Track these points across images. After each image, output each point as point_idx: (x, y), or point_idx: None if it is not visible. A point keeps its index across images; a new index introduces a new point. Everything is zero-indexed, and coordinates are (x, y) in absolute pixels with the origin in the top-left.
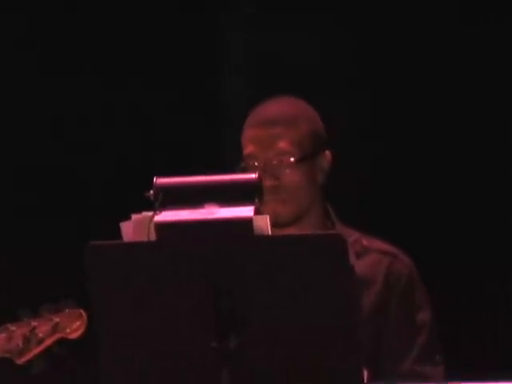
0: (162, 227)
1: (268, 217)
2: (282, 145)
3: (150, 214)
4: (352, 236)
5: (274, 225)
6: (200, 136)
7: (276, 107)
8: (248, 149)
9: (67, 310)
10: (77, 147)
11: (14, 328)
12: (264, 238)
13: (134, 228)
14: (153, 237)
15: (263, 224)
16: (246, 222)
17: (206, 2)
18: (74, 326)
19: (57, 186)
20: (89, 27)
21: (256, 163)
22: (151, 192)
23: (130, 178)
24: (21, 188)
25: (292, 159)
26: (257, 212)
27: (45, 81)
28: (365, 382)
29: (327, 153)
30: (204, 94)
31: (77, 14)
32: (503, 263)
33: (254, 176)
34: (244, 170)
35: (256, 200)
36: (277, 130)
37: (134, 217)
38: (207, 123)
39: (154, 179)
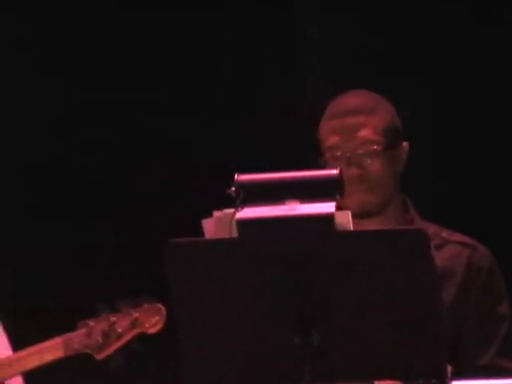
0: (244, 224)
1: (349, 213)
2: (366, 133)
3: (232, 210)
4: (430, 229)
5: (360, 214)
6: (200, 136)
7: (355, 98)
8: (331, 140)
9: (146, 305)
10: (77, 147)
11: (93, 323)
12: (345, 234)
13: (216, 225)
14: (234, 234)
15: (345, 220)
16: (328, 218)
17: None
18: (153, 321)
19: (57, 186)
20: (89, 27)
21: (339, 153)
22: (233, 189)
23: (130, 178)
24: (21, 188)
25: (376, 148)
26: (338, 208)
27: (45, 81)
28: (448, 376)
29: (405, 144)
30: (202, 93)
31: (77, 14)
32: None
33: (335, 171)
34: (326, 163)
35: (337, 196)
36: (360, 119)
37: (216, 214)
38: (207, 123)
39: (236, 176)
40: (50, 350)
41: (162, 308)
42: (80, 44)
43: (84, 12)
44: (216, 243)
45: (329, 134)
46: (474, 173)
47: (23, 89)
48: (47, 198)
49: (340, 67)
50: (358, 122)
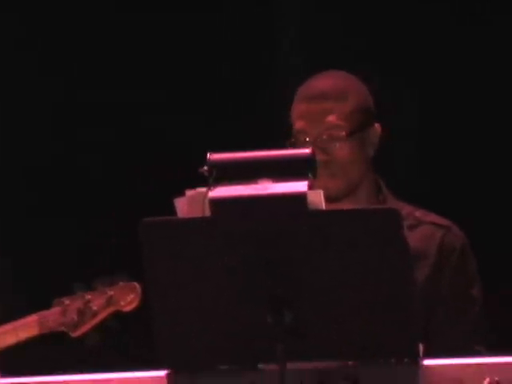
0: (217, 203)
1: (322, 192)
2: (332, 119)
3: (204, 189)
4: (404, 209)
5: (326, 199)
6: (200, 136)
7: (325, 82)
8: (298, 124)
9: (121, 283)
10: (77, 147)
11: (68, 301)
12: (318, 213)
13: (189, 204)
14: (207, 212)
15: (317, 199)
16: (300, 197)
17: None
18: (128, 299)
19: (57, 186)
20: (89, 27)
21: (307, 138)
22: (205, 168)
23: (130, 178)
24: (21, 188)
25: (342, 133)
26: (311, 187)
27: (45, 81)
28: (420, 355)
29: (376, 126)
30: (202, 93)
31: (77, 14)
32: None
33: (307, 151)
34: (294, 146)
35: (310, 175)
36: (326, 105)
37: (188, 193)
38: (207, 123)
39: (208, 155)
40: (24, 328)
41: (138, 286)
42: (80, 44)
43: (84, 12)
44: (189, 222)
45: (297, 118)
46: (457, 173)
47: (23, 89)
48: (47, 198)
49: (322, 67)
50: (324, 108)
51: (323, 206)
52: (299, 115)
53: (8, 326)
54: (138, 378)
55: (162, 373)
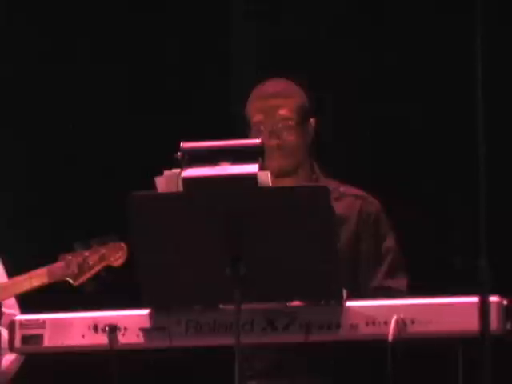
0: (188, 181)
1: (269, 172)
2: (284, 112)
3: (178, 170)
4: (331, 184)
5: (280, 174)
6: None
7: (275, 84)
8: (256, 117)
9: (111, 243)
10: (77, 147)
11: (70, 257)
12: (266, 189)
13: (166, 182)
14: (180, 188)
15: (265, 178)
16: (252, 177)
17: None
18: (117, 256)
19: (57, 185)
20: (88, 27)
21: (262, 128)
22: (179, 154)
23: (130, 177)
24: (21, 188)
25: (291, 123)
26: (260, 168)
27: (45, 80)
28: (344, 298)
29: (312, 120)
30: (203, 93)
31: (77, 14)
32: None
33: (258, 140)
34: (253, 135)
35: (259, 159)
36: (279, 101)
37: (166, 173)
38: (209, 123)
39: (181, 144)
40: (37, 277)
41: (125, 246)
42: (80, 44)
43: (84, 12)
44: (166, 196)
45: (255, 112)
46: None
47: (23, 89)
48: (47, 198)
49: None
50: (277, 103)
51: (270, 183)
52: (257, 110)
53: (23, 276)
54: (128, 316)
55: (146, 311)
